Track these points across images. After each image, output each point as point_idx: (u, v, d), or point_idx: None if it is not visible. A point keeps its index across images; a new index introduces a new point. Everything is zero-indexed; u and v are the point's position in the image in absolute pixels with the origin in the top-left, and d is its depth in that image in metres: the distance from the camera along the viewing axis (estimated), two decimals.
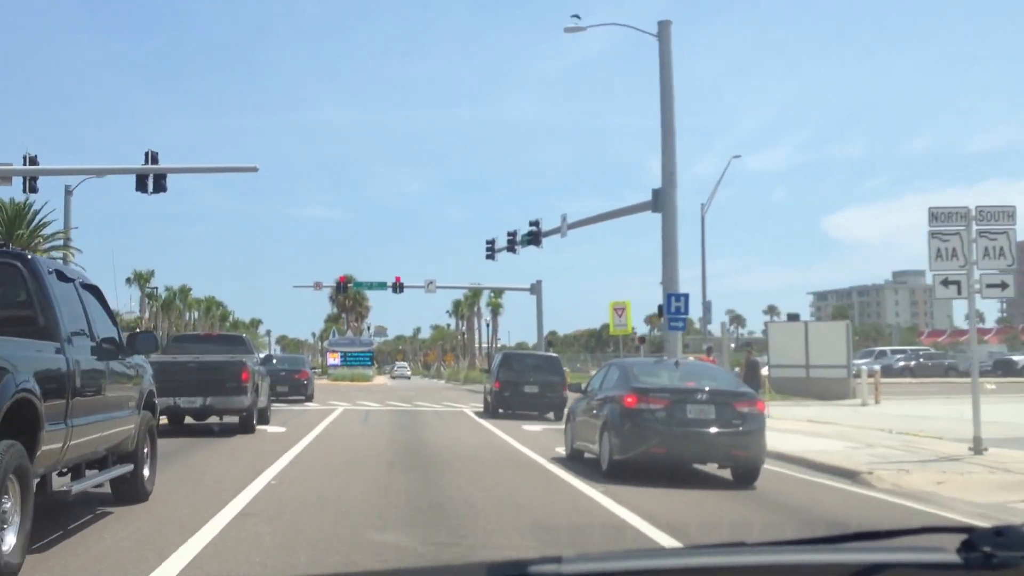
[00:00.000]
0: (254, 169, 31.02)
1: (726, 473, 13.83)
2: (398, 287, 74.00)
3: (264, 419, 23.16)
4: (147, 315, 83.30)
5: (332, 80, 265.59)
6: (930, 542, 1.50)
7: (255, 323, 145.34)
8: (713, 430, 12.93)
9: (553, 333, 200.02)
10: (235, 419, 20.87)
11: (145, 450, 10.61)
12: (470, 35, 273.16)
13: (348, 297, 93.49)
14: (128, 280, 78.78)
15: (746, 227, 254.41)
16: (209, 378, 20.07)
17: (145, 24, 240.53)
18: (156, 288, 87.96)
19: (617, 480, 12.78)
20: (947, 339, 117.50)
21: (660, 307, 30.54)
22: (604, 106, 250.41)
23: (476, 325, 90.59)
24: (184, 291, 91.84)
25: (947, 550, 1.45)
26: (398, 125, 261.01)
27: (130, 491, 10.20)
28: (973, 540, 1.44)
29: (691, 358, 33.68)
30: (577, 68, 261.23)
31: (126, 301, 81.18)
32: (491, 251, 56.93)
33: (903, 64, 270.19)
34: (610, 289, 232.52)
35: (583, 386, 16.47)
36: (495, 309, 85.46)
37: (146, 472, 10.61)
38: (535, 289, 78.38)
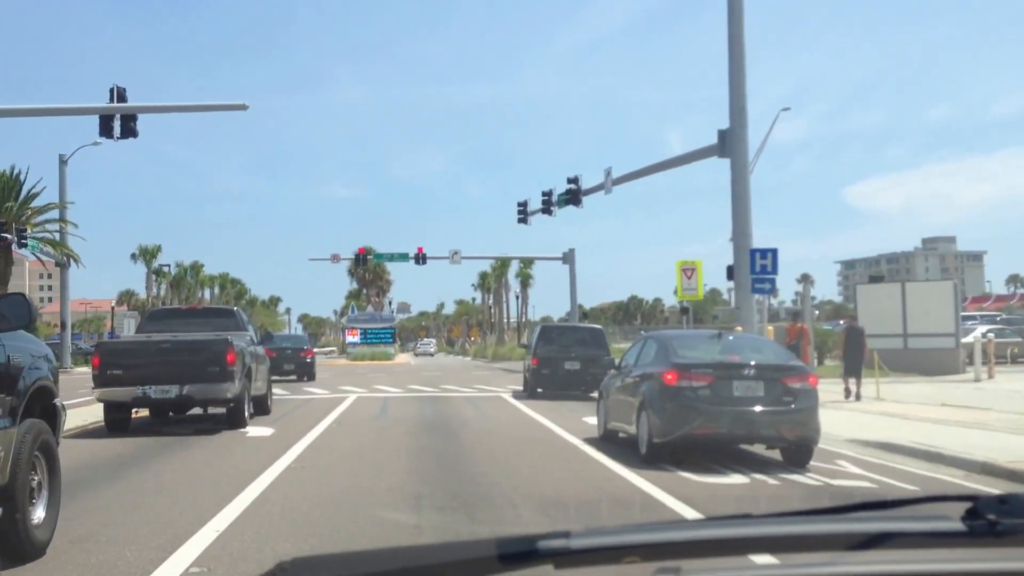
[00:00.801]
0: (243, 107, 25.88)
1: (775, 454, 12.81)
2: (421, 258, 69.11)
3: (263, 408, 19.93)
4: (155, 293, 78.33)
5: (352, 60, 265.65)
6: (935, 511, 1.48)
7: (274, 301, 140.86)
8: (761, 408, 12.10)
9: (579, 307, 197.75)
10: (222, 410, 17.46)
11: (35, 480, 7.04)
12: (489, 12, 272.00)
13: (368, 270, 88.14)
14: (133, 256, 73.73)
15: (765, 199, 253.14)
16: (187, 361, 16.65)
17: (166, 7, 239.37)
18: (168, 266, 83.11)
19: (658, 465, 11.89)
20: (992, 304, 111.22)
21: (729, 268, 25.31)
22: (623, 80, 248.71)
23: (504, 298, 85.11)
24: (196, 267, 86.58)
25: (951, 519, 1.42)
26: (419, 103, 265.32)
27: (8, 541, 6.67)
28: (978, 508, 1.42)
29: (769, 328, 28.18)
30: (596, 43, 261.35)
31: (140, 280, 76.31)
32: (523, 214, 51.41)
33: (922, 33, 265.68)
34: (636, 262, 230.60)
35: (617, 362, 15.59)
36: (525, 280, 79.75)
37: (37, 515, 7.03)
38: (568, 258, 73.19)
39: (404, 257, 69.99)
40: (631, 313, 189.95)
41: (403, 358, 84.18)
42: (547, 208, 48.36)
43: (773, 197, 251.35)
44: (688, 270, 28.52)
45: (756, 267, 23.38)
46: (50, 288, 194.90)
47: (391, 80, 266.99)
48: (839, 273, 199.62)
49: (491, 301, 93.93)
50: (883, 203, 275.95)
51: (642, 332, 31.05)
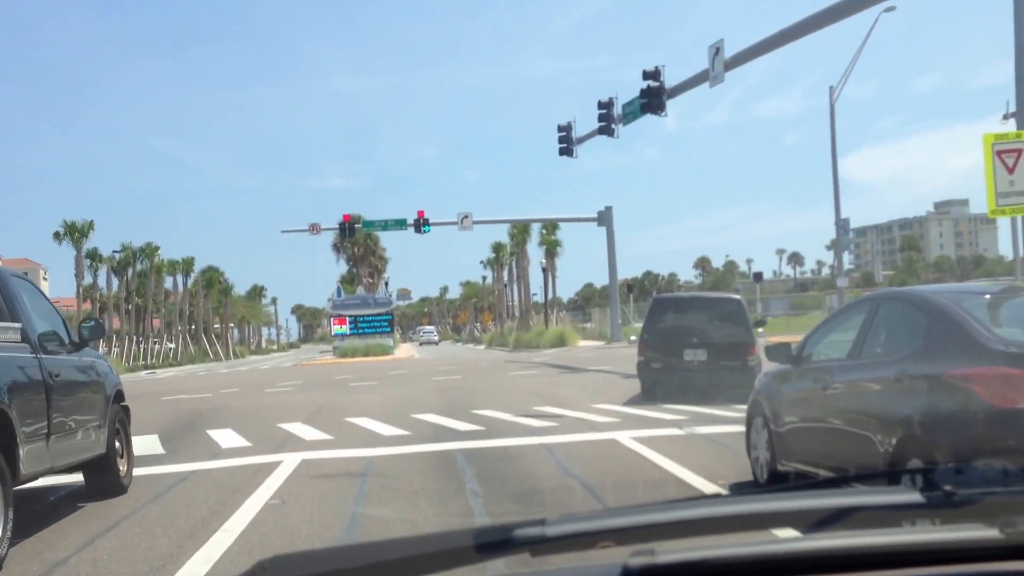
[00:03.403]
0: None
1: None
2: (421, 223, 54.41)
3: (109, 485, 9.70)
4: (90, 282, 63.09)
5: (341, 46, 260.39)
6: (894, 484, 1.52)
7: (258, 291, 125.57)
8: None
9: (589, 285, 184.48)
10: None
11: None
12: None
13: (357, 244, 72.83)
14: (57, 235, 58.38)
15: (759, 174, 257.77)
16: None
17: None
18: (119, 252, 67.80)
19: None
20: None
21: None
22: (615, 60, 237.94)
23: (526, 273, 69.85)
24: (150, 250, 71.26)
25: (910, 490, 1.48)
26: (410, 89, 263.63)
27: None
28: (934, 479, 1.48)
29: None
30: (586, 22, 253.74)
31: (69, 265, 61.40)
32: (566, 143, 36.31)
33: (908, 2, 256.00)
34: (641, 240, 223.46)
35: (793, 349, 8.46)
36: (551, 249, 64.49)
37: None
38: (604, 218, 58.47)
39: (401, 224, 55.24)
40: (647, 290, 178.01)
41: (405, 350, 69.05)
42: (607, 127, 33.09)
43: (764, 171, 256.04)
44: (1010, 152, 13.44)
45: None
46: None
47: (381, 66, 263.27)
48: (851, 240, 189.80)
49: (507, 278, 78.65)
50: (873, 174, 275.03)
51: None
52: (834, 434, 7.41)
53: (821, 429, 7.66)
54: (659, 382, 17.87)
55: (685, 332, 17.94)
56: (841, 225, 48.68)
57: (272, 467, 10.80)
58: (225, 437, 14.30)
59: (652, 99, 28.85)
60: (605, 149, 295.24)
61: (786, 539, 1.48)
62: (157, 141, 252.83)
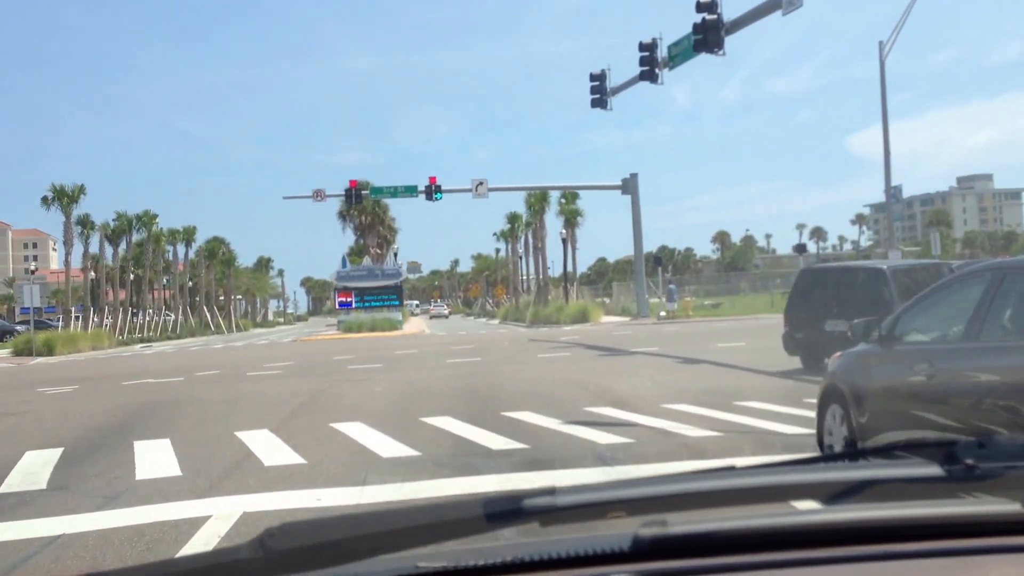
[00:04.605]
0: None
1: None
2: (433, 190, 50.18)
3: None
4: (81, 250, 58.89)
5: (353, 25, 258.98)
6: (915, 457, 1.49)
7: (264, 263, 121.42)
8: None
9: (603, 260, 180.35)
10: None
11: None
12: None
13: (365, 213, 68.29)
14: (45, 200, 54.06)
15: (772, 150, 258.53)
16: None
17: None
18: (115, 221, 63.57)
19: None
20: None
21: None
22: (625, 40, 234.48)
23: (538, 246, 65.13)
24: (148, 219, 66.86)
25: (930, 463, 1.43)
26: (423, 68, 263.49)
27: None
28: (956, 452, 1.45)
29: None
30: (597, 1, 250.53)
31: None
32: (600, 93, 31.74)
33: None
34: (654, 215, 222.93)
35: (883, 327, 7.27)
36: (570, 218, 59.64)
37: None
38: (629, 186, 53.91)
39: (412, 191, 51.00)
40: (663, 265, 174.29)
41: (415, 325, 64.76)
42: (649, 71, 28.64)
43: (776, 149, 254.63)
44: None
45: None
46: (35, 258, 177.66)
47: (395, 45, 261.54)
48: (870, 216, 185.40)
49: (521, 250, 74.04)
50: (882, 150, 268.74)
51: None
52: (940, 430, 6.24)
53: (922, 422, 6.47)
54: (800, 350, 17.24)
55: (825, 304, 16.83)
56: (892, 193, 44.21)
57: (188, 531, 6.51)
58: (152, 458, 10.01)
59: (708, 34, 24.29)
60: (615, 126, 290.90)
61: (801, 511, 1.48)
62: (174, 118, 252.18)
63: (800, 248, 50.45)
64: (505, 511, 1.31)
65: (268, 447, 10.40)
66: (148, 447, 10.79)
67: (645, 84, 28.06)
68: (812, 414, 10.83)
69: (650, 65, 27.51)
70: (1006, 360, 5.89)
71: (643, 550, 1.38)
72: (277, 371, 22.99)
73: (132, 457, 10.12)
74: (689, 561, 1.39)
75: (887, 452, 1.60)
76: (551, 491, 1.33)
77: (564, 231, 58.94)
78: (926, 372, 6.50)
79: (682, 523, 1.38)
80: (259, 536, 1.24)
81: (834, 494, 1.43)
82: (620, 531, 1.38)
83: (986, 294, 6.29)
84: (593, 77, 31.00)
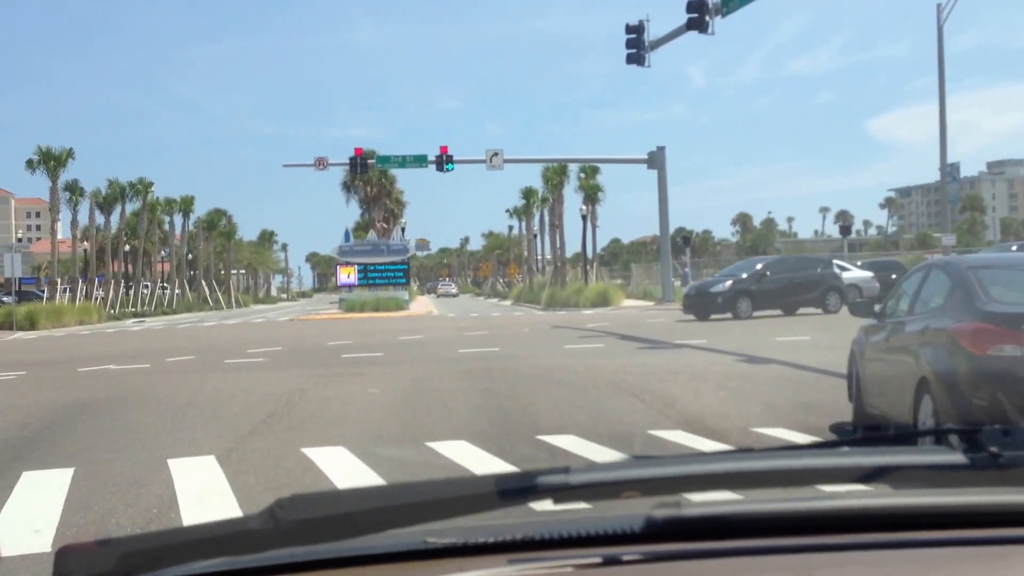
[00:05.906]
0: None
1: None
2: (444, 160, 47.03)
3: None
4: (68, 218, 55.58)
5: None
6: (937, 444, 1.46)
7: (267, 236, 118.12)
8: None
9: (617, 241, 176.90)
10: None
11: None
12: None
13: (370, 184, 64.76)
14: (30, 163, 50.61)
15: (792, 132, 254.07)
16: None
17: None
18: (108, 189, 60.06)
19: None
20: None
21: None
22: (639, 15, 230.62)
23: (555, 223, 61.45)
24: (142, 186, 63.48)
25: (953, 451, 1.40)
26: (433, 42, 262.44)
27: None
28: (979, 440, 1.42)
29: None
30: None
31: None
32: (637, 47, 28.21)
33: None
34: (670, 196, 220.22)
35: (877, 306, 9.81)
36: (591, 194, 56.04)
37: None
38: (655, 160, 50.38)
39: (421, 160, 47.74)
40: (690, 245, 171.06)
41: (422, 305, 61.39)
42: (698, 19, 25.19)
43: (795, 131, 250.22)
44: None
45: None
46: (38, 228, 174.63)
47: (405, 17, 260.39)
48: (896, 199, 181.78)
49: (537, 228, 70.48)
50: (908, 135, 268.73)
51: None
52: (887, 375, 8.80)
53: (882, 370, 9.00)
54: None
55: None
56: (949, 172, 40.59)
57: None
58: (24, 511, 6.68)
59: None
60: (632, 103, 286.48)
61: (818, 496, 1.45)
62: (176, 86, 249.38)
63: (844, 230, 46.98)
64: (518, 488, 1.30)
65: (203, 493, 7.06)
66: (36, 484, 7.49)
67: (661, 63, 24.64)
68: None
69: (699, 12, 23.99)
70: (915, 326, 8.34)
71: (656, 531, 1.37)
72: (260, 359, 19.67)
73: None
74: (702, 544, 1.37)
75: (909, 438, 1.57)
76: (565, 469, 1.31)
77: (584, 207, 55.42)
78: (888, 339, 8.95)
79: (696, 505, 1.37)
80: (269, 507, 1.24)
81: (854, 479, 1.40)
82: (633, 511, 1.37)
83: (923, 282, 8.86)
84: (629, 29, 27.46)
